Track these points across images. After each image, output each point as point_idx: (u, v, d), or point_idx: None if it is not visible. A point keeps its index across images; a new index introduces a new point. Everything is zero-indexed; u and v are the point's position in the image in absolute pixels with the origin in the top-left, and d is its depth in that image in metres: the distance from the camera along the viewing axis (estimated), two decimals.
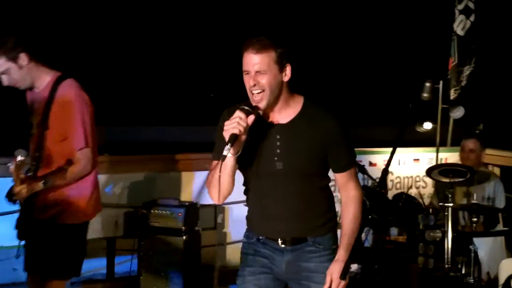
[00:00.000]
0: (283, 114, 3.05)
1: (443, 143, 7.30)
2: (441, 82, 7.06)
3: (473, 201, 5.27)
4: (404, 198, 5.63)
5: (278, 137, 3.04)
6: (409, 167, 6.97)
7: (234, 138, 2.81)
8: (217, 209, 6.04)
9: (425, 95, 6.52)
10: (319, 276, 3.10)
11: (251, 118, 2.87)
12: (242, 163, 3.02)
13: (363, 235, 5.37)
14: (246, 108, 2.88)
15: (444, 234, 4.89)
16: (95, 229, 5.46)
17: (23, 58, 3.73)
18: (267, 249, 3.19)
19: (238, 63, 2.96)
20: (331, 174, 3.19)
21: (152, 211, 5.35)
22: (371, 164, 6.62)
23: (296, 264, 3.15)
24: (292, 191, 3.08)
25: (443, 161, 6.94)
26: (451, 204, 4.90)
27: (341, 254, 3.07)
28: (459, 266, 4.97)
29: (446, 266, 4.85)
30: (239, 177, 3.10)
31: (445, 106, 7.11)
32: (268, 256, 3.19)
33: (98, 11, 16.47)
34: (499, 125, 11.63)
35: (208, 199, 5.95)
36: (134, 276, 5.53)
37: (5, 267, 5.05)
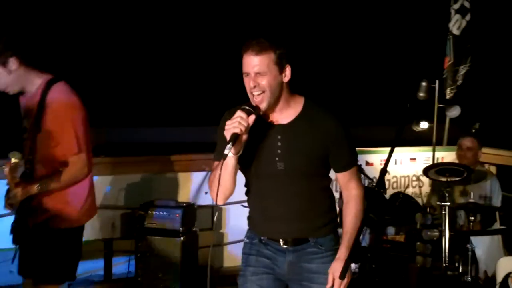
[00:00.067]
0: (284, 115, 3.07)
1: (439, 142, 7.31)
2: (437, 81, 7.07)
3: (470, 200, 5.28)
4: (401, 197, 5.64)
5: (279, 137, 3.05)
6: (405, 166, 6.98)
7: (235, 137, 2.83)
8: (214, 210, 6.05)
9: (421, 94, 6.50)
10: (321, 277, 3.11)
11: (252, 117, 2.89)
12: (243, 164, 3.03)
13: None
14: (247, 108, 2.90)
15: (441, 233, 4.90)
16: (92, 231, 5.46)
17: (13, 63, 3.65)
18: (269, 250, 3.20)
19: (235, 64, 2.96)
20: (332, 174, 3.20)
21: (149, 212, 5.34)
22: (367, 163, 6.62)
23: (298, 265, 3.16)
24: (293, 192, 3.09)
25: (440, 160, 6.94)
26: (448, 203, 4.91)
27: (342, 253, 3.08)
28: (457, 265, 4.98)
29: (444, 265, 4.86)
30: (239, 177, 3.10)
31: (441, 105, 7.12)
32: (270, 257, 3.20)
33: (96, 13, 16.44)
34: (495, 124, 11.64)
35: (205, 200, 6.00)
36: (131, 278, 5.53)
37: (2, 270, 5.04)
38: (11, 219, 3.88)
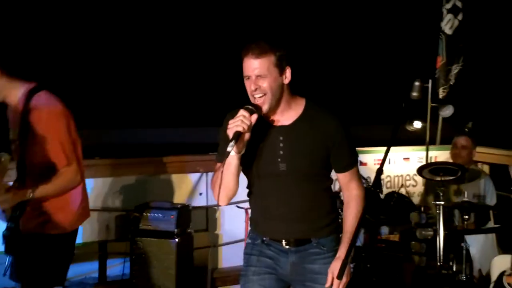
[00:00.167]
0: (285, 116, 3.09)
1: (432, 142, 7.33)
2: (430, 81, 7.09)
3: (464, 199, 5.30)
4: (395, 197, 5.65)
5: (281, 138, 3.07)
6: (399, 166, 6.99)
7: (237, 135, 2.86)
8: (209, 211, 6.05)
9: (414, 94, 6.54)
10: (324, 277, 3.12)
11: (255, 117, 2.92)
12: (245, 164, 3.06)
13: None
14: (250, 107, 2.93)
15: (436, 232, 4.92)
16: (86, 233, 5.46)
17: None
18: (271, 250, 3.21)
19: (230, 66, 2.98)
20: (332, 174, 3.23)
21: (144, 214, 5.33)
22: (361, 163, 6.62)
23: (301, 266, 3.18)
24: (295, 192, 3.11)
25: (433, 160, 6.96)
26: (442, 202, 4.93)
27: (342, 252, 3.08)
28: (451, 264, 5.00)
29: (438, 264, 4.88)
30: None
31: (434, 105, 7.14)
32: (272, 257, 3.21)
33: (95, 13, 16.41)
34: (488, 123, 11.68)
35: (199, 201, 6.00)
36: (126, 280, 5.52)
37: None
38: (2, 224, 3.85)
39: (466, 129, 6.20)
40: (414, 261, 5.07)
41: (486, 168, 6.80)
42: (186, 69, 17.71)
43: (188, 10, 18.26)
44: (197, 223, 5.77)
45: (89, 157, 5.57)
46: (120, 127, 14.75)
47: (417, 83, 6.53)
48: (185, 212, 5.46)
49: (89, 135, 3.92)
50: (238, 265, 5.94)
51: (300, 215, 3.13)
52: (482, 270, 5.52)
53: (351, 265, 5.37)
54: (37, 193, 3.60)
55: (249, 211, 5.56)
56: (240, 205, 5.16)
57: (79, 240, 4.02)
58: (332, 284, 3.06)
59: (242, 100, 3.00)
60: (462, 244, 4.99)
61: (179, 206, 5.48)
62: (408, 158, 7.05)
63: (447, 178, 5.20)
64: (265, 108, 2.99)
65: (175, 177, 5.99)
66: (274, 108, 3.04)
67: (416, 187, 6.98)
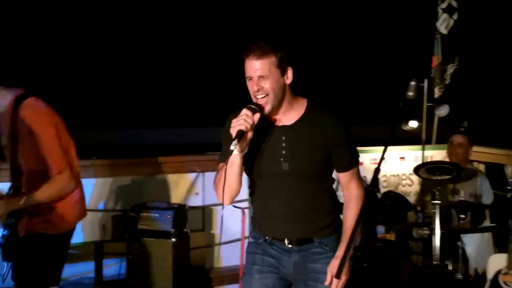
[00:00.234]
0: (288, 116, 3.12)
1: (428, 141, 7.34)
2: (426, 80, 7.10)
3: (461, 198, 5.31)
4: (392, 196, 5.66)
5: (283, 138, 3.10)
6: (395, 165, 6.99)
7: (240, 134, 2.88)
8: (205, 211, 6.05)
9: (410, 93, 6.56)
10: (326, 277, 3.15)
11: (257, 116, 2.95)
12: (248, 164, 3.09)
13: None
14: (252, 106, 2.97)
15: (432, 231, 4.93)
16: (82, 233, 5.46)
17: None
18: (274, 250, 3.24)
19: (226, 68, 3.01)
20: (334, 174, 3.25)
21: (141, 214, 5.34)
22: None
23: (303, 265, 3.20)
24: (295, 192, 3.13)
25: (429, 159, 6.96)
26: (439, 202, 4.94)
27: (341, 251, 3.10)
28: (447, 263, 5.01)
29: (435, 263, 4.88)
30: None
31: (430, 104, 7.14)
32: (275, 256, 3.24)
33: (95, 14, 16.40)
34: (484, 122, 11.70)
35: (196, 201, 6.01)
36: (122, 280, 5.52)
37: None
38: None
39: (462, 128, 6.22)
40: (411, 260, 5.08)
41: (481, 167, 6.81)
42: (185, 69, 17.70)
43: (188, 10, 18.27)
44: (193, 223, 5.77)
45: (86, 158, 5.58)
46: (120, 128, 14.75)
47: (413, 83, 6.55)
48: (181, 212, 5.47)
49: (85, 136, 3.90)
50: (234, 264, 5.99)
51: (300, 215, 3.16)
52: (478, 269, 5.53)
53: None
54: (30, 201, 3.58)
55: (246, 211, 5.60)
56: (236, 204, 5.16)
57: (75, 240, 4.02)
58: (331, 283, 3.08)
59: (241, 100, 3.03)
60: (458, 243, 5.00)
61: (175, 206, 5.49)
62: (404, 158, 7.06)
63: (443, 178, 5.20)
64: (267, 108, 3.02)
65: (171, 177, 6.00)
66: (276, 108, 3.07)
67: (412, 187, 6.99)
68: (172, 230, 5.27)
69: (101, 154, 5.99)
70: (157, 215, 5.30)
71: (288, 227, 3.18)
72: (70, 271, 3.93)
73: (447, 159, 5.93)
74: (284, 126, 3.12)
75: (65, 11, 15.58)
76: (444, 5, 7.38)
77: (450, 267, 5.01)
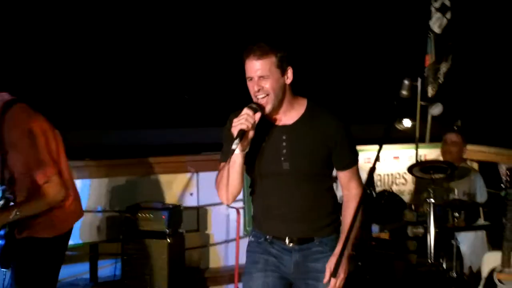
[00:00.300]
0: (288, 116, 3.15)
1: (422, 140, 7.35)
2: (419, 79, 7.11)
3: (455, 197, 5.32)
4: (386, 195, 5.67)
5: (284, 137, 3.13)
6: (389, 164, 7.00)
7: (242, 133, 2.91)
8: (200, 211, 6.05)
9: (404, 92, 6.57)
10: None
11: (258, 115, 2.98)
12: (249, 163, 3.11)
13: None
14: (253, 106, 3.00)
15: (426, 230, 4.94)
16: (77, 234, 5.45)
17: None
18: (275, 249, 3.25)
19: (229, 67, 3.03)
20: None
21: (136, 214, 5.33)
22: None
23: (304, 264, 3.22)
24: (296, 192, 3.16)
25: (423, 158, 6.98)
26: (433, 201, 4.95)
27: (339, 249, 3.12)
28: (442, 261, 5.02)
29: (429, 261, 4.90)
30: None
31: (423, 103, 7.16)
32: (276, 255, 3.25)
33: (93, 14, 16.35)
34: (477, 121, 11.72)
35: (190, 201, 6.00)
36: (118, 280, 5.52)
37: None
38: None
39: (456, 127, 6.23)
40: (407, 259, 5.09)
41: (475, 166, 6.83)
42: (185, 69, 17.68)
43: (187, 10, 18.24)
44: (188, 223, 5.77)
45: (80, 159, 5.58)
46: (111, 128, 14.72)
47: (406, 82, 6.56)
48: (176, 212, 5.47)
49: (79, 136, 3.88)
50: (229, 264, 5.99)
51: (300, 215, 3.18)
52: (473, 267, 5.54)
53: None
54: (21, 215, 3.52)
55: (241, 210, 5.60)
56: (231, 204, 5.17)
57: (70, 241, 4.00)
58: (330, 280, 3.10)
59: (241, 100, 3.05)
60: (453, 242, 5.02)
61: (170, 206, 5.49)
62: (397, 157, 7.07)
63: (438, 176, 5.22)
64: (268, 108, 3.05)
65: (166, 178, 5.99)
66: (276, 108, 3.10)
67: (406, 186, 7.00)
68: (167, 230, 5.27)
69: (97, 155, 5.99)
70: (151, 215, 5.30)
71: (288, 227, 3.20)
72: (64, 272, 3.92)
73: (441, 158, 5.95)
74: (284, 126, 3.14)
75: (65, 11, 15.55)
76: (437, 4, 7.39)
77: (444, 266, 5.03)
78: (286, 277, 3.28)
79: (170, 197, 5.94)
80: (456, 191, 5.37)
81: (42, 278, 3.74)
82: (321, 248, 3.22)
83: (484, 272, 4.78)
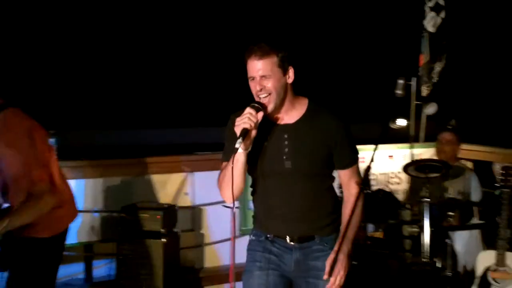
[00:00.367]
0: (289, 116, 3.18)
1: (416, 139, 7.36)
2: (413, 79, 7.12)
3: (450, 196, 5.34)
4: (381, 194, 5.68)
5: (286, 136, 3.16)
6: (383, 163, 7.01)
7: (245, 132, 2.94)
8: (195, 211, 6.05)
9: (398, 92, 6.59)
10: None
11: (261, 114, 3.01)
12: (251, 162, 3.12)
13: None
14: (256, 105, 3.02)
15: (421, 229, 4.95)
16: (72, 234, 5.44)
17: None
18: (275, 247, 3.27)
19: (229, 67, 3.04)
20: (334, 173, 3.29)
21: (131, 214, 5.33)
22: None
23: (304, 263, 3.25)
24: (297, 192, 3.18)
25: (417, 157, 6.98)
26: (428, 199, 4.96)
27: (337, 247, 3.14)
28: (436, 260, 5.04)
29: (424, 260, 4.91)
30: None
31: (418, 102, 7.17)
32: (276, 254, 3.27)
33: (93, 15, 16.30)
34: (472, 120, 11.74)
35: (185, 201, 6.00)
36: (113, 280, 5.52)
37: None
38: None
39: (450, 126, 6.25)
40: (402, 258, 5.10)
41: (469, 165, 6.84)
42: (185, 69, 17.65)
43: (187, 10, 18.21)
44: (183, 223, 5.77)
45: (75, 159, 5.57)
46: (107, 129, 14.68)
47: (400, 81, 6.57)
48: (171, 212, 5.47)
49: (74, 136, 3.87)
50: (224, 264, 5.99)
51: (300, 215, 3.20)
52: (467, 266, 5.55)
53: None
54: (13, 225, 3.47)
55: (236, 210, 5.59)
56: (226, 204, 5.16)
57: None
58: (329, 276, 3.12)
59: (241, 101, 3.06)
60: (447, 241, 5.03)
61: (165, 206, 5.49)
62: (392, 156, 7.07)
63: (432, 175, 5.23)
64: (270, 107, 3.07)
65: (161, 177, 5.98)
66: (278, 107, 3.12)
67: (400, 185, 7.01)
68: (162, 230, 5.27)
69: (92, 155, 5.97)
70: (146, 215, 5.30)
71: (288, 226, 3.22)
72: (59, 272, 3.90)
73: (435, 157, 5.96)
74: (286, 125, 3.17)
75: (65, 11, 15.51)
76: (431, 4, 7.40)
77: (439, 264, 5.04)
78: (287, 275, 3.30)
79: (165, 197, 5.94)
80: (450, 190, 5.39)
81: (40, 278, 3.74)
82: (322, 246, 3.24)
83: (479, 271, 4.80)
